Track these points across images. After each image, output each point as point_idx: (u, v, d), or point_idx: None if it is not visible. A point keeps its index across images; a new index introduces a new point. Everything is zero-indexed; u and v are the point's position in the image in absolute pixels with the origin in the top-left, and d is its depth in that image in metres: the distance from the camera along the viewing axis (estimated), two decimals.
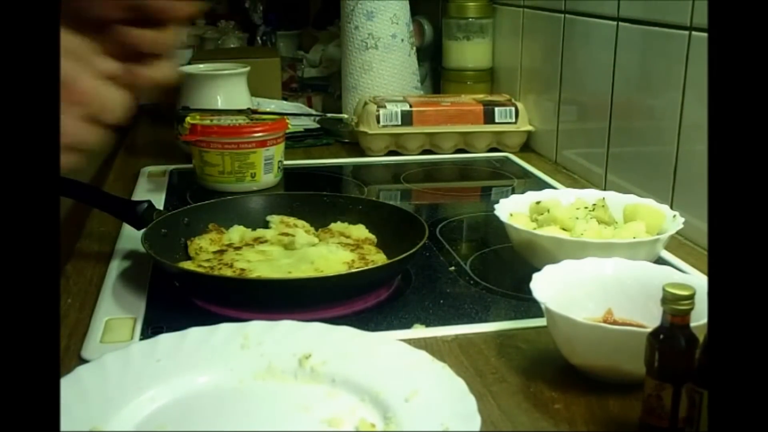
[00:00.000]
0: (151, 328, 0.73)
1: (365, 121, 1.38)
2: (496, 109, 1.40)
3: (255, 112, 1.23)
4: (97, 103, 0.49)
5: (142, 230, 0.86)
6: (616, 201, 0.91)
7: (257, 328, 0.67)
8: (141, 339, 0.70)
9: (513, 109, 1.41)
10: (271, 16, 2.27)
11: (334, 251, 0.84)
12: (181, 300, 0.79)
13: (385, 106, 1.38)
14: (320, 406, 0.58)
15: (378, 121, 1.37)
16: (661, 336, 0.54)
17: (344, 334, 0.66)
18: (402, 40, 1.52)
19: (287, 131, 1.22)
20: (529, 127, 1.42)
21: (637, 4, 1.08)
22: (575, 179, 1.27)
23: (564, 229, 0.85)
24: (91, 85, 0.49)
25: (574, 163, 1.30)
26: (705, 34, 0.93)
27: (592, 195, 0.93)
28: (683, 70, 0.97)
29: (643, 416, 0.55)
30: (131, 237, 0.92)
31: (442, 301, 0.80)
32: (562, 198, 0.93)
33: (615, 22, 1.13)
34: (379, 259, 0.86)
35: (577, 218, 0.86)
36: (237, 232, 0.92)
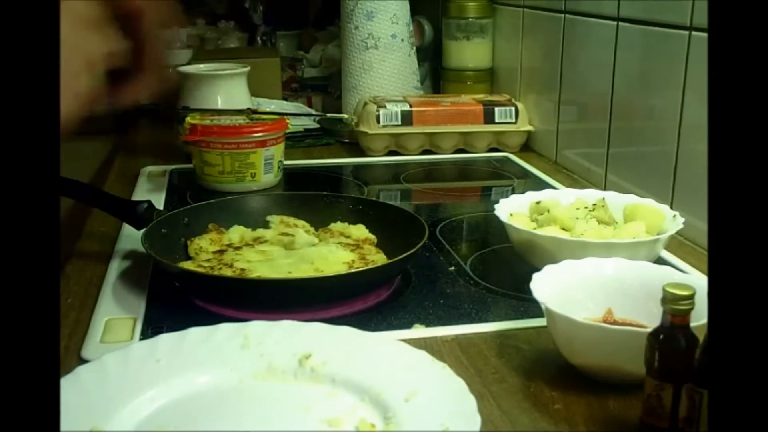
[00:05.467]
0: (151, 328, 0.73)
1: (365, 121, 1.38)
2: (496, 109, 1.40)
3: (255, 112, 1.23)
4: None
5: (142, 230, 0.86)
6: (616, 201, 0.91)
7: (257, 328, 0.67)
8: (141, 339, 0.70)
9: (513, 109, 1.41)
10: (271, 16, 2.27)
11: (334, 251, 0.84)
12: (181, 300, 0.79)
13: (385, 106, 1.38)
14: (320, 406, 0.59)
15: (378, 121, 1.37)
16: (661, 336, 0.54)
17: (344, 334, 0.66)
18: (402, 40, 1.52)
19: (287, 131, 1.22)
20: (529, 127, 1.42)
21: (637, 4, 1.08)
22: (575, 179, 1.27)
23: (564, 229, 0.85)
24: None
25: (574, 163, 1.30)
26: (705, 34, 0.93)
27: (592, 195, 0.93)
28: (683, 70, 0.97)
29: (643, 416, 0.55)
30: (131, 237, 0.92)
31: (442, 301, 0.80)
32: (562, 198, 0.93)
33: (615, 22, 1.13)
34: (379, 259, 0.86)
35: (577, 218, 0.86)
36: (237, 232, 0.92)
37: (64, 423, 0.50)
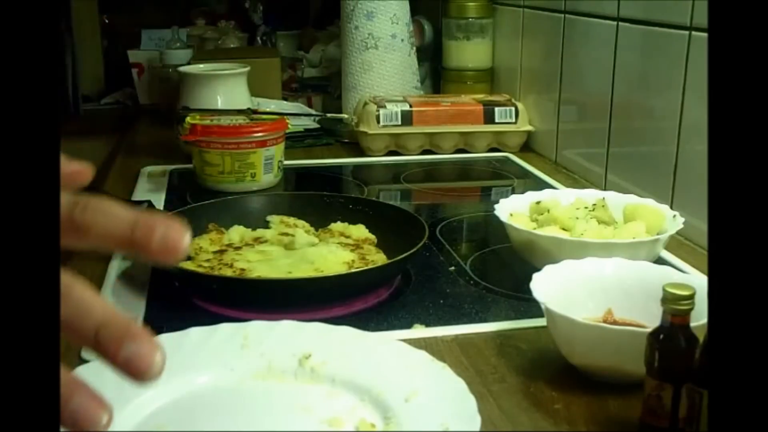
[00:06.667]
0: (151, 328, 0.73)
1: (365, 121, 1.38)
2: (496, 109, 1.40)
3: (255, 112, 1.23)
4: None
5: None
6: (616, 201, 0.91)
7: (257, 328, 0.67)
8: None
9: (513, 109, 1.41)
10: (271, 16, 2.27)
11: (334, 251, 0.84)
12: (181, 300, 0.79)
13: (385, 106, 1.38)
14: (320, 406, 0.59)
15: (378, 121, 1.37)
16: (661, 336, 0.54)
17: (344, 334, 0.66)
18: (402, 40, 1.52)
19: (287, 131, 1.22)
20: (529, 127, 1.42)
21: (637, 4, 1.08)
22: (575, 179, 1.26)
23: (564, 229, 0.85)
24: None
25: (574, 163, 1.30)
26: (705, 34, 0.93)
27: (592, 195, 0.93)
28: (683, 70, 0.97)
29: (643, 416, 0.55)
30: None
31: (442, 301, 0.80)
32: (562, 198, 0.93)
33: (615, 22, 1.13)
34: (379, 259, 0.86)
35: (577, 218, 0.86)
36: (237, 232, 0.92)
37: None
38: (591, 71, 1.22)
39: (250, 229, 0.94)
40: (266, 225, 0.96)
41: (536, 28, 1.42)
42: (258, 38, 2.22)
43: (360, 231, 0.93)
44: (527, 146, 1.44)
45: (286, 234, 0.90)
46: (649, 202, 0.89)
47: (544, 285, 0.67)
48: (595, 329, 0.61)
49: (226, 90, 1.29)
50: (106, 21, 2.21)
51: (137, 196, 1.15)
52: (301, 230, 0.91)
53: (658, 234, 0.84)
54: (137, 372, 0.36)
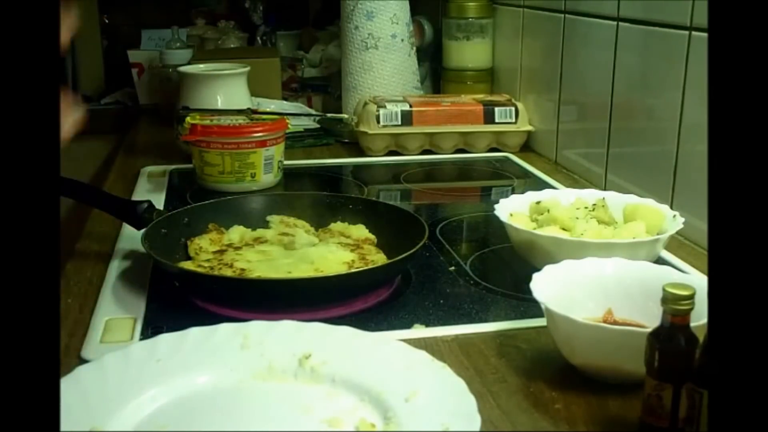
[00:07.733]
0: (151, 328, 0.73)
1: (365, 121, 1.38)
2: (496, 109, 1.40)
3: (255, 112, 1.23)
4: None
5: (142, 230, 0.86)
6: (616, 201, 0.91)
7: (257, 328, 0.67)
8: (141, 339, 0.70)
9: (513, 109, 1.41)
10: (271, 16, 2.27)
11: (334, 251, 0.84)
12: (181, 300, 0.79)
13: (385, 106, 1.38)
14: (320, 406, 0.59)
15: (378, 121, 1.37)
16: (661, 336, 0.54)
17: (344, 334, 0.66)
18: (402, 40, 1.52)
19: (287, 131, 1.22)
20: (529, 127, 1.42)
21: (637, 4, 1.08)
22: (575, 179, 1.26)
23: (564, 229, 0.85)
24: None
25: (574, 163, 1.30)
26: (705, 34, 0.93)
27: (592, 195, 0.93)
28: (683, 70, 0.97)
29: (643, 416, 0.55)
30: (131, 237, 0.92)
31: (442, 301, 0.80)
32: (562, 198, 0.93)
33: (615, 22, 1.13)
34: (379, 259, 0.86)
35: (577, 218, 0.86)
36: (237, 232, 0.92)
37: (64, 423, 0.50)
38: (591, 71, 1.22)
39: (250, 229, 0.94)
40: (266, 225, 0.96)
41: (536, 28, 1.42)
42: (258, 38, 2.22)
43: (360, 231, 0.93)
44: (527, 146, 1.44)
45: (286, 234, 0.90)
46: (649, 202, 0.89)
47: (544, 285, 0.67)
48: (595, 329, 0.61)
49: (226, 90, 1.29)
50: (106, 21, 2.21)
51: (137, 196, 1.15)
52: (301, 230, 0.91)
53: (658, 234, 0.84)
54: None
